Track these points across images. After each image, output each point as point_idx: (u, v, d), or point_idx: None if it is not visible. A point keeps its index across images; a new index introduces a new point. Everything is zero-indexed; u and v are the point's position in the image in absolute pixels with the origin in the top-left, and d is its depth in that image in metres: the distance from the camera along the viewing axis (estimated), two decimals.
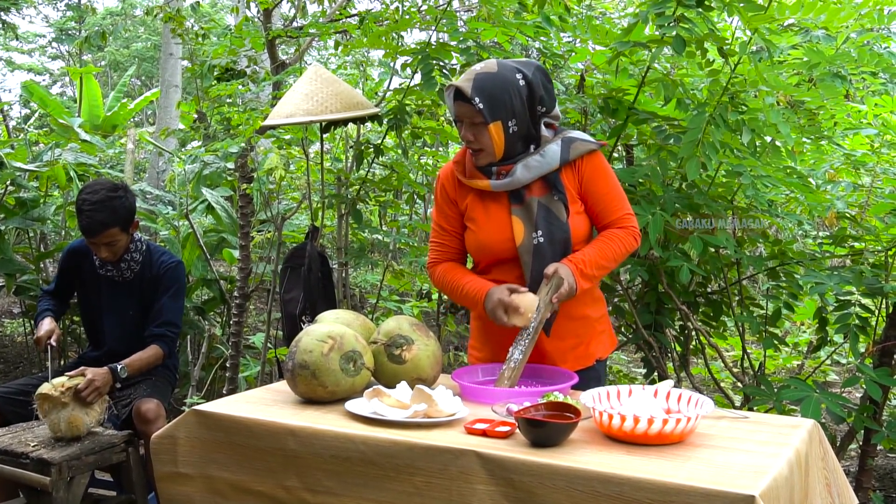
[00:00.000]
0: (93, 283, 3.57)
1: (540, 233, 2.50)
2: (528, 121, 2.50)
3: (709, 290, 3.74)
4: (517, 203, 2.54)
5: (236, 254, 4.83)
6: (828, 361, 5.49)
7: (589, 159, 2.56)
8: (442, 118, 4.41)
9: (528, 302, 2.44)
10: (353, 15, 4.55)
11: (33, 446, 3.08)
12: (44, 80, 22.83)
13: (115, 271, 3.50)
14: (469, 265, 2.78)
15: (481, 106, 2.42)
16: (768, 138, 3.35)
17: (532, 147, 2.53)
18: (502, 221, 2.56)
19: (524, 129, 2.50)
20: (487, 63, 2.50)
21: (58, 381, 3.12)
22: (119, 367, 3.27)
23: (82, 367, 3.23)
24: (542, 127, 2.54)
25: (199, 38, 5.05)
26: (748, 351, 3.74)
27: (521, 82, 2.47)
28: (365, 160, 4.01)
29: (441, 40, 3.71)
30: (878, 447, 3.59)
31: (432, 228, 2.75)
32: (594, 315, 2.68)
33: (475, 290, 2.56)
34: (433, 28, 3.68)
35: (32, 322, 5.76)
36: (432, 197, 5.63)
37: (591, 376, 2.63)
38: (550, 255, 2.50)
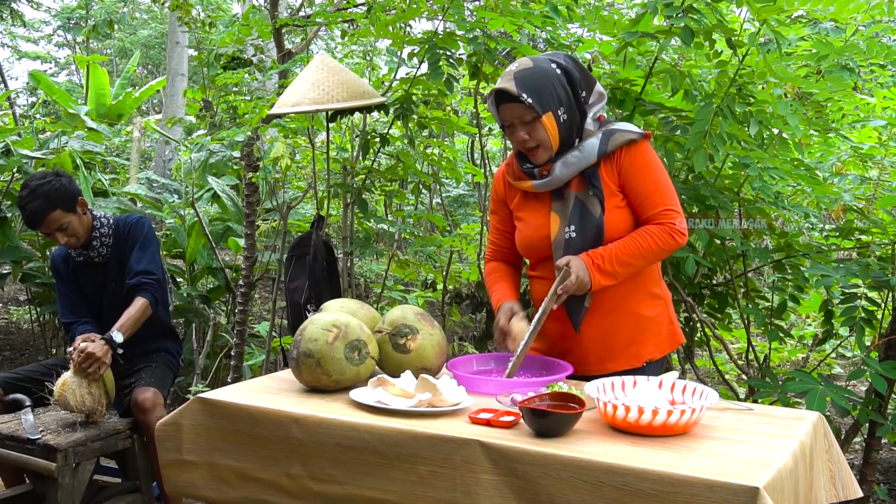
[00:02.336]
0: (81, 274, 3.57)
1: (572, 227, 2.48)
2: (575, 107, 2.48)
3: (714, 282, 3.74)
4: (558, 200, 2.53)
5: (241, 242, 4.83)
6: (833, 354, 5.48)
7: (628, 151, 2.49)
8: (448, 108, 4.40)
9: (519, 329, 2.50)
10: (361, 4, 4.53)
11: (39, 432, 3.09)
12: (50, 68, 22.83)
13: (92, 253, 3.50)
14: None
15: (531, 101, 2.39)
16: (776, 130, 3.34)
17: (576, 140, 2.50)
18: (543, 219, 2.55)
19: (574, 117, 2.48)
20: (520, 61, 2.48)
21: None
22: (112, 333, 3.24)
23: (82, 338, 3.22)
24: (589, 119, 2.51)
25: (206, 27, 5.05)
26: (753, 343, 3.73)
27: (558, 70, 2.46)
28: (371, 150, 4.01)
29: (448, 29, 3.71)
30: (883, 440, 3.59)
31: (490, 226, 2.83)
32: (648, 314, 2.58)
33: (495, 302, 2.67)
34: (440, 17, 3.67)
35: (38, 310, 5.80)
36: (438, 187, 5.65)
37: None
38: (581, 251, 2.46)
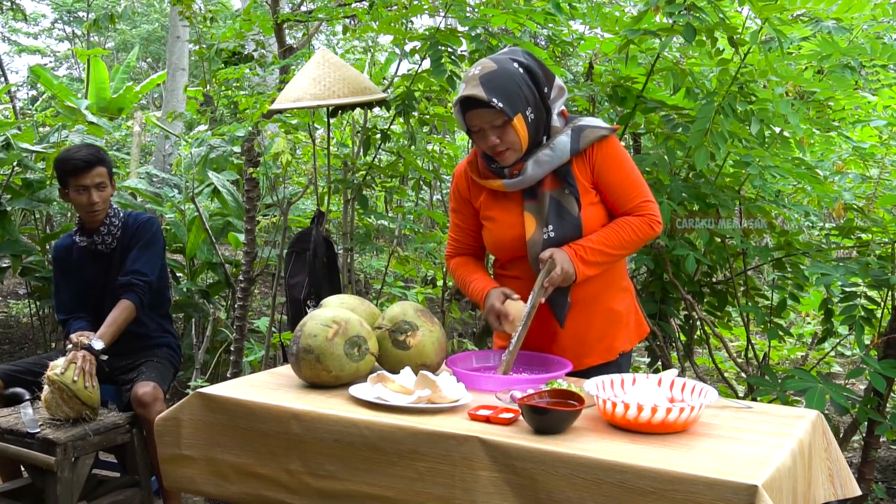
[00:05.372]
0: (84, 263, 3.56)
1: (551, 227, 2.48)
2: (541, 105, 2.46)
3: (714, 280, 3.74)
4: (530, 199, 2.52)
5: (242, 238, 4.83)
6: (832, 353, 5.49)
7: (600, 147, 2.50)
8: (450, 105, 4.40)
9: (516, 310, 2.48)
10: None
11: (39, 426, 3.09)
12: (49, 61, 22.79)
13: (97, 239, 3.50)
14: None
15: (501, 105, 2.36)
16: (777, 129, 3.34)
17: (544, 138, 2.49)
18: (515, 218, 2.54)
19: (540, 115, 2.47)
20: (482, 63, 2.44)
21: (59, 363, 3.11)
22: (93, 341, 3.22)
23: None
24: (554, 116, 2.50)
25: (207, 22, 5.04)
26: (753, 341, 3.73)
27: (521, 69, 2.43)
28: (372, 146, 4.00)
29: (450, 26, 3.70)
30: (882, 439, 3.59)
31: (450, 223, 2.79)
32: (619, 307, 2.62)
33: (479, 290, 2.62)
34: (442, 13, 3.67)
35: (37, 304, 5.79)
36: (439, 184, 5.65)
37: (612, 370, 2.54)
38: None
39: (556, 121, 2.50)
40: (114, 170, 3.62)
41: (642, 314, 2.78)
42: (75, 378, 3.06)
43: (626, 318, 2.66)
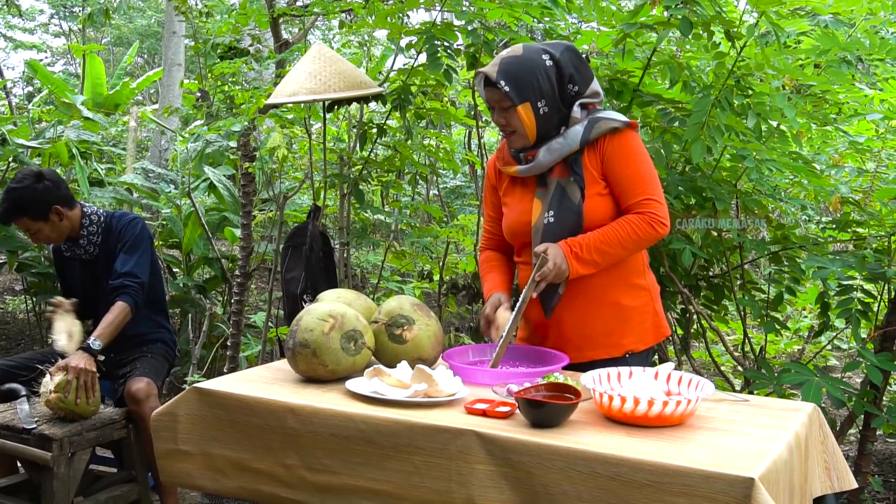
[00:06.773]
0: (74, 269, 3.57)
1: (551, 213, 2.49)
2: (559, 101, 2.48)
3: (711, 273, 3.74)
4: (541, 186, 2.55)
5: (238, 233, 4.82)
6: (829, 346, 5.49)
7: (612, 139, 2.49)
8: (446, 99, 4.39)
9: (503, 319, 2.54)
10: None
11: (35, 422, 3.09)
12: (46, 57, 22.73)
13: (79, 250, 3.49)
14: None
15: (507, 89, 2.43)
16: (774, 122, 3.34)
17: (562, 129, 2.51)
18: (527, 204, 2.57)
19: (556, 110, 2.48)
20: (514, 48, 2.51)
21: (50, 386, 3.08)
22: (90, 341, 3.21)
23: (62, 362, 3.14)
24: (576, 108, 2.50)
25: (203, 16, 5.03)
26: (749, 335, 3.74)
27: (549, 62, 2.46)
28: (368, 140, 4.00)
29: (446, 20, 3.69)
30: (878, 432, 3.60)
31: (485, 215, 2.86)
32: (630, 304, 2.57)
33: (486, 292, 2.71)
34: (438, 7, 3.66)
35: (34, 300, 5.78)
36: (435, 178, 5.65)
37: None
38: (559, 237, 2.47)
39: (576, 112, 2.51)
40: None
41: (663, 317, 2.70)
42: (77, 401, 3.07)
43: (639, 317, 2.60)
